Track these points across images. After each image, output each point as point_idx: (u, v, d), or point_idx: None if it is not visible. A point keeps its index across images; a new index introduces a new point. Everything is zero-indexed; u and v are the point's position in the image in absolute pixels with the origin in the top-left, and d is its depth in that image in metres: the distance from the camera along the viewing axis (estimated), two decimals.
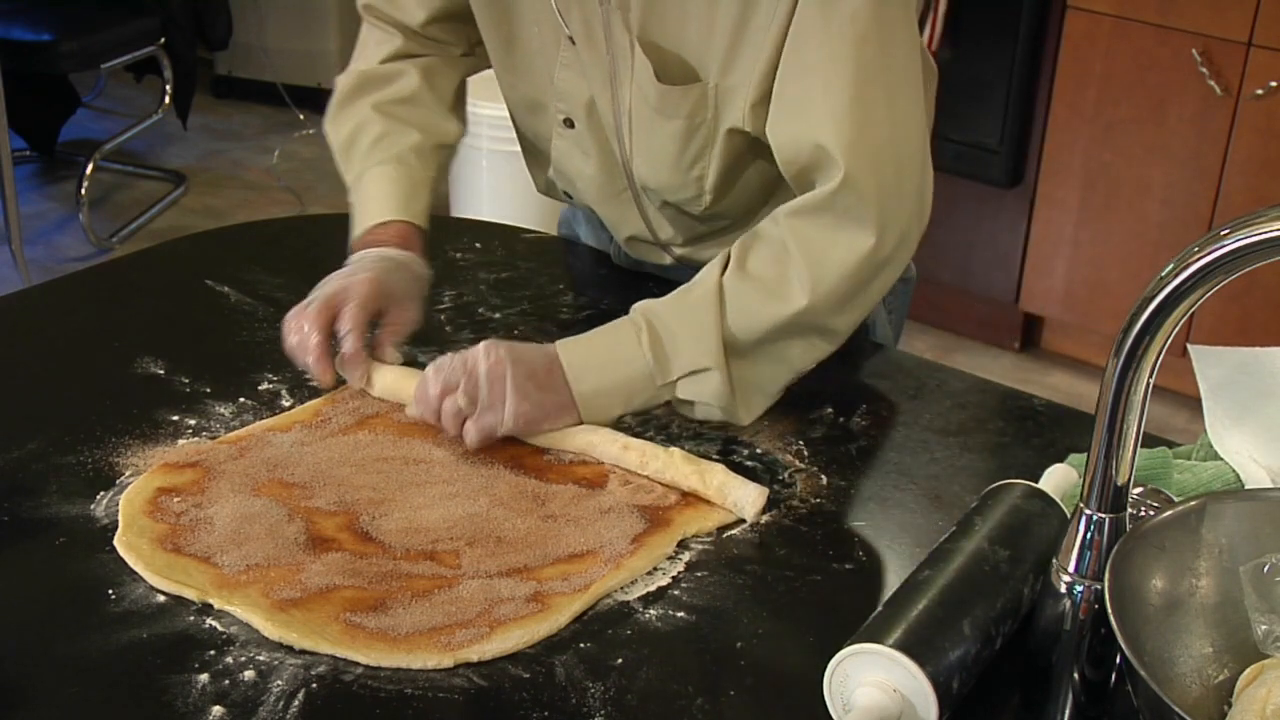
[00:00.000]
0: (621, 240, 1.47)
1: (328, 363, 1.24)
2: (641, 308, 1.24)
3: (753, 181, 1.33)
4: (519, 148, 1.50)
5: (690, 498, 1.14)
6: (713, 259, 1.42)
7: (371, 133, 1.40)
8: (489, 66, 1.45)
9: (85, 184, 3.73)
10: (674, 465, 1.15)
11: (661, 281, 1.50)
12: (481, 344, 1.19)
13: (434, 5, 1.41)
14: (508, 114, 1.46)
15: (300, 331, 1.24)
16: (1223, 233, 0.76)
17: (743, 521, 1.13)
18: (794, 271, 1.20)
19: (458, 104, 1.48)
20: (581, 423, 1.20)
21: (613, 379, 1.21)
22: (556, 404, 1.19)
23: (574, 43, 1.29)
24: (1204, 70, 2.83)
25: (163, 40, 3.73)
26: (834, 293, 1.20)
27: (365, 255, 1.31)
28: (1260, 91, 2.80)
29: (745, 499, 1.12)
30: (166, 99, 3.88)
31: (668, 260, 1.46)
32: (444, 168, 1.45)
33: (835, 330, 1.23)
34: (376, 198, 1.37)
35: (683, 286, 1.25)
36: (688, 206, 1.35)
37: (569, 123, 1.36)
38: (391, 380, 1.26)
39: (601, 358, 1.21)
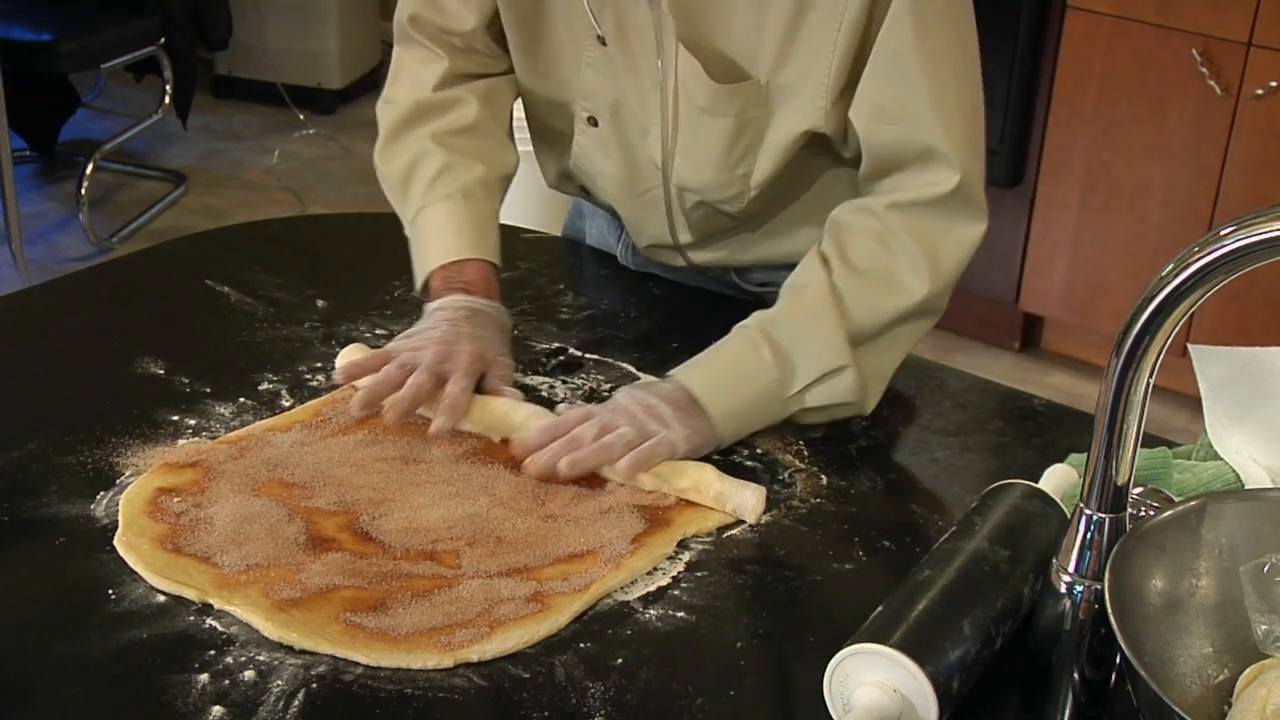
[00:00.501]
0: (638, 241, 1.47)
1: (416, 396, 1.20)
2: (754, 322, 1.22)
3: (795, 177, 1.33)
4: (521, 148, 1.49)
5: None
6: (725, 260, 1.42)
7: (432, 165, 1.35)
8: None
9: (85, 184, 3.73)
10: (668, 478, 1.15)
11: (663, 282, 1.50)
12: (620, 392, 1.19)
13: (484, 9, 1.36)
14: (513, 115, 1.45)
15: (393, 387, 1.20)
16: (1223, 233, 0.76)
17: (743, 521, 1.13)
18: (906, 262, 1.22)
19: (511, 128, 1.44)
20: (721, 447, 1.19)
21: (744, 397, 1.19)
22: (708, 429, 1.17)
23: (604, 43, 1.29)
24: (1204, 70, 2.83)
25: (163, 40, 3.73)
26: (952, 280, 1.25)
27: (450, 305, 1.27)
28: (1260, 91, 2.80)
29: (745, 505, 1.12)
30: (166, 99, 3.88)
31: (679, 262, 1.45)
32: (503, 200, 1.41)
33: (941, 309, 1.27)
34: (447, 234, 1.33)
35: (785, 295, 1.24)
36: (727, 205, 1.34)
37: (593, 121, 1.35)
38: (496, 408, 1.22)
39: (728, 379, 1.20)
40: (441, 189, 1.34)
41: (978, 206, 1.25)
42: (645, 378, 1.33)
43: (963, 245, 1.25)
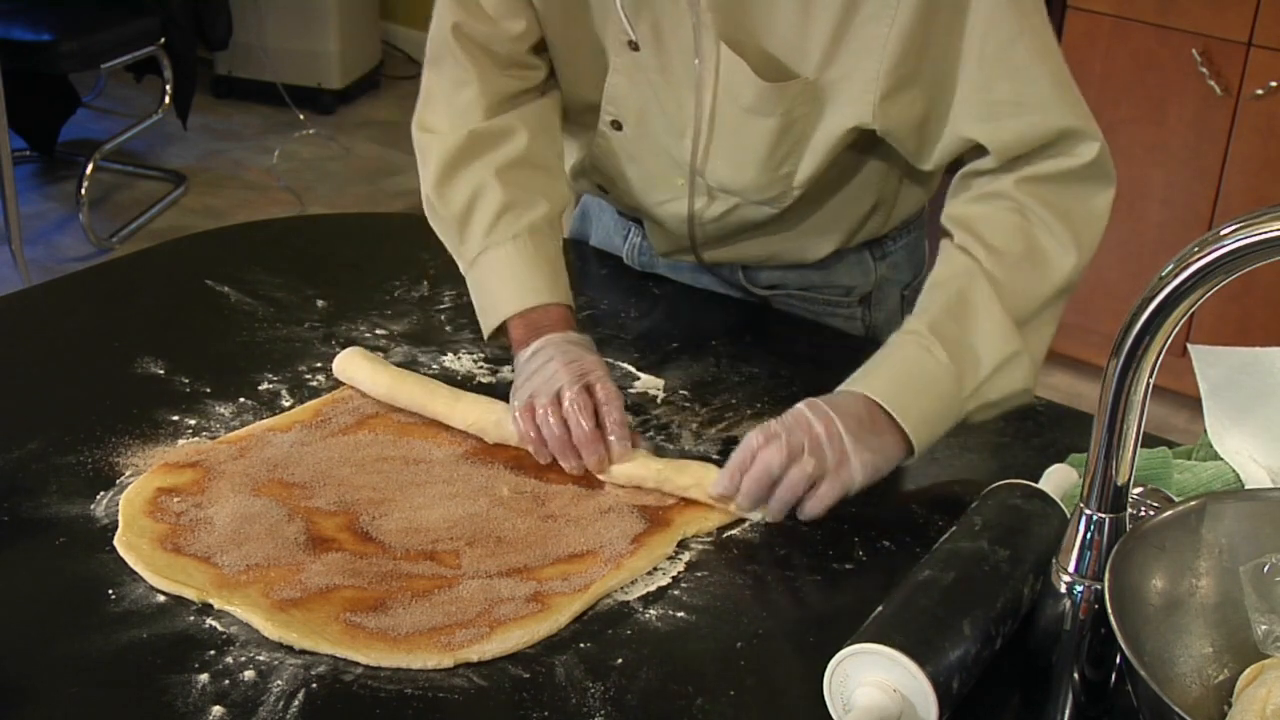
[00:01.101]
0: (654, 242, 1.46)
1: (603, 450, 1.16)
2: (917, 325, 1.18)
3: (835, 174, 1.31)
4: None
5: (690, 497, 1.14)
6: (738, 258, 1.41)
7: (494, 202, 1.29)
8: None
9: (85, 184, 3.72)
10: (670, 476, 1.15)
11: (664, 282, 1.50)
12: (802, 404, 1.13)
13: (530, 19, 1.31)
14: None
15: (564, 425, 1.16)
16: (1223, 233, 0.76)
17: (743, 521, 1.13)
18: (1050, 237, 1.21)
19: (562, 155, 1.40)
20: (914, 456, 1.15)
21: (930, 401, 1.15)
22: (893, 444, 1.13)
23: (635, 48, 1.27)
24: (1204, 70, 2.83)
25: (163, 40, 3.73)
26: (1094, 249, 1.24)
27: (549, 343, 1.23)
28: (1260, 91, 2.80)
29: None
30: (166, 99, 3.87)
31: (691, 259, 1.45)
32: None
33: (1078, 283, 1.24)
34: (522, 277, 1.28)
35: (935, 293, 1.20)
36: (767, 205, 1.32)
37: (616, 125, 1.34)
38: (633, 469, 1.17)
39: (911, 386, 1.15)
40: (507, 228, 1.28)
41: (1109, 172, 1.24)
42: (645, 378, 1.33)
43: (1101, 212, 1.24)
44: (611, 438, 1.15)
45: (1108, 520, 0.86)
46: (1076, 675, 0.90)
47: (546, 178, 1.34)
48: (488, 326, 1.29)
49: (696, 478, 1.14)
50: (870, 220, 1.39)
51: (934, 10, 1.16)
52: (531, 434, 1.17)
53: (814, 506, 1.10)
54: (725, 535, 1.11)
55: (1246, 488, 1.09)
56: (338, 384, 1.28)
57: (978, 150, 1.23)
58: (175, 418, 1.23)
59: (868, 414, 1.13)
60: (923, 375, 1.15)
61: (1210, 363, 1.17)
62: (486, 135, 1.31)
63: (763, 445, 1.10)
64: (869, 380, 1.15)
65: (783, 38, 1.22)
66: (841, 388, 1.16)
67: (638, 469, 1.16)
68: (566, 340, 1.23)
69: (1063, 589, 0.88)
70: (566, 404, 1.16)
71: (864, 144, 1.28)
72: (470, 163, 1.31)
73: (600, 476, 1.16)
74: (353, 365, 1.27)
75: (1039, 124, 1.20)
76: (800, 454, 1.10)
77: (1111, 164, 1.24)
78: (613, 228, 1.55)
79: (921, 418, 1.14)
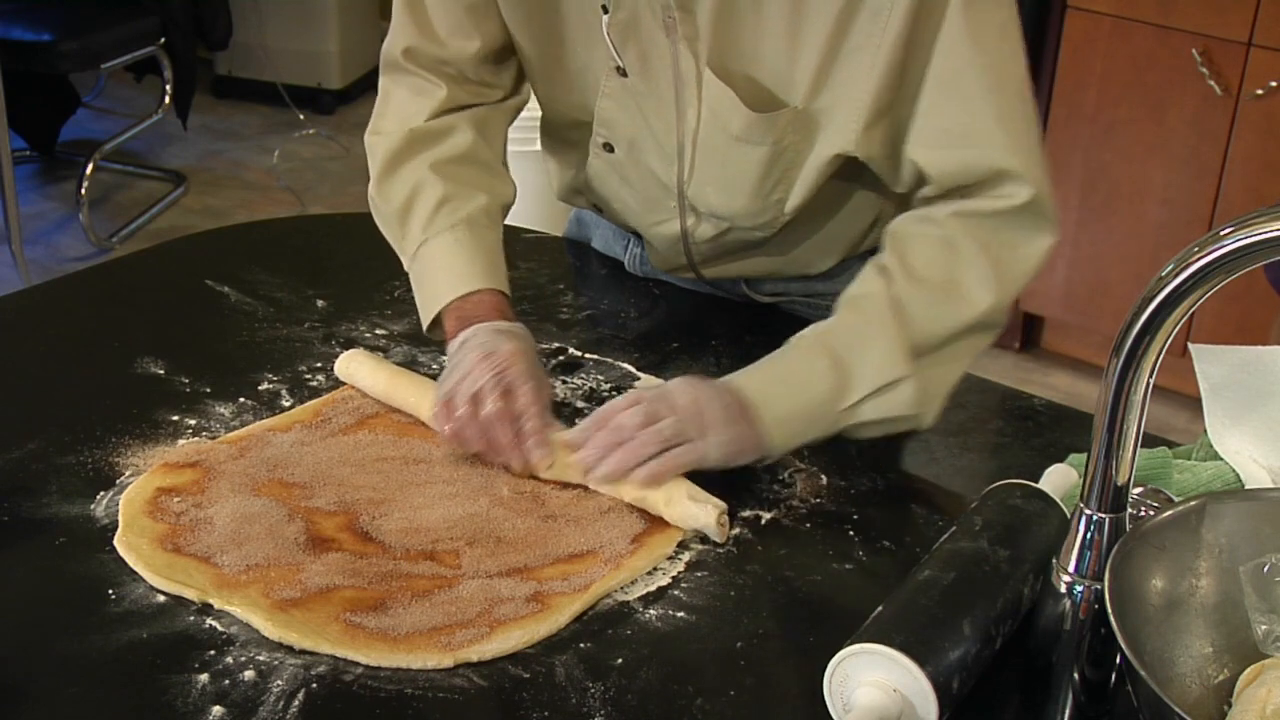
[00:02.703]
0: (653, 259, 1.45)
1: (521, 450, 1.16)
2: (811, 332, 1.20)
3: (826, 199, 1.31)
4: (521, 148, 1.48)
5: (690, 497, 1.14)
6: (737, 274, 1.41)
7: (432, 195, 1.30)
8: (525, 104, 1.41)
9: (85, 184, 3.73)
10: (637, 490, 1.13)
11: (664, 284, 1.50)
12: (674, 380, 1.16)
13: (482, 36, 1.32)
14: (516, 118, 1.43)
15: (486, 424, 1.16)
16: (1223, 233, 0.76)
17: (743, 521, 1.13)
18: (971, 271, 1.20)
19: (505, 158, 1.41)
20: (766, 456, 1.16)
21: (798, 405, 1.16)
22: (749, 436, 1.14)
23: (624, 74, 1.27)
24: (1204, 70, 2.83)
25: (163, 40, 3.73)
26: (1017, 292, 1.22)
27: (476, 333, 1.22)
28: (1260, 91, 2.80)
29: (705, 522, 1.10)
30: (166, 99, 3.88)
31: (690, 275, 1.45)
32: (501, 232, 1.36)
33: (1003, 324, 1.24)
34: (458, 266, 1.28)
35: (843, 306, 1.21)
36: (760, 230, 1.32)
37: (609, 147, 1.34)
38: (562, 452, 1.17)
39: (782, 385, 1.17)
40: (445, 220, 1.29)
41: (1048, 219, 1.21)
42: (645, 378, 1.33)
43: (1030, 257, 1.21)
44: (529, 445, 1.15)
45: (1108, 520, 0.86)
46: (1076, 675, 0.90)
47: (486, 174, 1.35)
48: (426, 319, 1.29)
49: (667, 495, 1.11)
50: (872, 232, 1.39)
51: (915, 39, 1.16)
52: (447, 430, 1.17)
53: (656, 467, 1.11)
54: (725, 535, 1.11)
55: (1246, 488, 1.09)
56: (338, 384, 1.28)
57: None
58: (175, 418, 1.23)
59: (734, 401, 1.15)
60: (798, 379, 1.17)
61: (1210, 362, 1.17)
62: (427, 134, 1.33)
63: (623, 408, 1.13)
64: (745, 375, 1.18)
65: (771, 68, 1.21)
66: (723, 378, 1.18)
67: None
68: (493, 330, 1.22)
69: (1063, 589, 0.88)
70: (484, 413, 1.16)
71: (858, 166, 1.27)
72: (410, 159, 1.32)
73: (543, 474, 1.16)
74: (354, 364, 1.27)
75: (977, 158, 1.19)
76: (657, 420, 1.12)
77: (1053, 211, 1.21)
78: (612, 237, 1.55)
79: (784, 417, 1.16)
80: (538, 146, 1.47)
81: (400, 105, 1.35)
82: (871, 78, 1.17)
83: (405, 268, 1.33)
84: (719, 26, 1.20)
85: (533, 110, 1.44)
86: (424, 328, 1.30)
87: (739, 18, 1.20)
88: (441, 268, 1.29)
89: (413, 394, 1.24)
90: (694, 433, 1.12)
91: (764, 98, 1.22)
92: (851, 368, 1.17)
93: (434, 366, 1.33)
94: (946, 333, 1.19)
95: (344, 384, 1.28)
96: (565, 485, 1.16)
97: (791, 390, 1.17)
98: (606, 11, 1.23)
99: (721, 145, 1.26)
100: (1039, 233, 1.21)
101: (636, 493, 1.12)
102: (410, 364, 1.32)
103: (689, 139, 1.27)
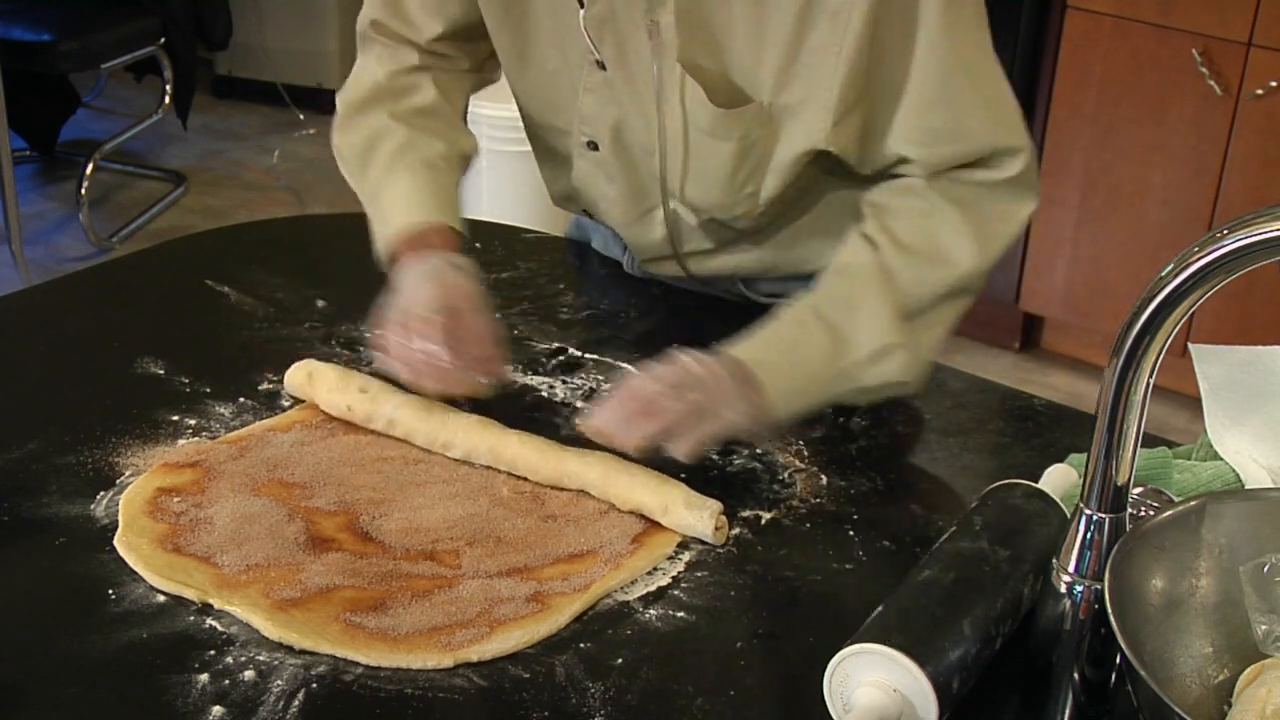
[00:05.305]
0: (641, 258, 1.46)
1: (456, 376, 1.18)
2: (801, 302, 1.21)
3: (804, 190, 1.32)
4: (519, 148, 1.49)
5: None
6: (729, 271, 1.41)
7: (393, 140, 1.33)
8: (494, 81, 1.43)
9: (85, 184, 3.73)
10: (634, 497, 1.12)
11: (666, 287, 1.50)
12: (680, 355, 1.15)
13: (450, 19, 1.36)
14: (509, 115, 1.45)
15: (423, 347, 1.18)
16: (1223, 233, 0.76)
17: (743, 522, 1.13)
18: (952, 234, 1.21)
19: (466, 117, 1.44)
20: (775, 423, 1.17)
21: (798, 372, 1.18)
22: (758, 405, 1.14)
23: (603, 68, 1.27)
24: (1204, 70, 2.83)
25: (163, 40, 3.73)
26: (998, 255, 1.24)
27: (430, 261, 1.24)
28: (1260, 91, 2.80)
29: (701, 531, 1.10)
30: (166, 99, 3.87)
31: (682, 274, 1.45)
32: (462, 182, 1.40)
33: (980, 289, 1.25)
34: (412, 199, 1.30)
35: (830, 278, 1.22)
36: (736, 222, 1.33)
37: (593, 145, 1.34)
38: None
39: (781, 355, 1.18)
40: (404, 161, 1.32)
41: (1029, 185, 1.23)
42: None
43: (1011, 220, 1.24)
44: (479, 375, 1.17)
45: (1108, 520, 0.86)
46: (1076, 675, 0.90)
47: (446, 125, 1.38)
48: (382, 248, 1.30)
49: (663, 502, 1.11)
50: None
51: (882, 42, 1.17)
52: (390, 353, 1.19)
53: (689, 442, 1.11)
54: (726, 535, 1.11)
55: (1246, 488, 1.09)
56: None
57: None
58: (175, 418, 1.23)
59: (739, 371, 1.15)
60: (795, 350, 1.18)
61: (1211, 362, 1.17)
62: (390, 88, 1.37)
63: (646, 382, 1.13)
64: (744, 345, 1.18)
65: (738, 63, 1.22)
66: (719, 350, 1.17)
67: (586, 470, 1.14)
68: (448, 262, 1.24)
69: (1063, 589, 0.88)
70: (432, 337, 1.17)
71: (836, 159, 1.28)
72: (373, 109, 1.37)
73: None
74: (310, 386, 1.25)
75: (971, 147, 1.21)
76: (684, 393, 1.12)
77: (1036, 177, 1.24)
78: (612, 238, 1.55)
79: (789, 389, 1.16)
80: None
81: (366, 66, 1.41)
82: (836, 77, 1.18)
83: (366, 210, 1.36)
84: (687, 20, 1.21)
85: None
86: (382, 260, 1.31)
87: (706, 13, 1.20)
88: (399, 198, 1.32)
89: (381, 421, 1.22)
90: (721, 403, 1.13)
91: (731, 93, 1.23)
92: (846, 335, 1.18)
93: None
94: (932, 295, 1.21)
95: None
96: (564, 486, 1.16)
97: (791, 360, 1.18)
98: (583, 6, 1.24)
99: (694, 139, 1.27)
100: (1023, 197, 1.23)
101: (633, 501, 1.12)
102: None
103: (669, 133, 1.28)
